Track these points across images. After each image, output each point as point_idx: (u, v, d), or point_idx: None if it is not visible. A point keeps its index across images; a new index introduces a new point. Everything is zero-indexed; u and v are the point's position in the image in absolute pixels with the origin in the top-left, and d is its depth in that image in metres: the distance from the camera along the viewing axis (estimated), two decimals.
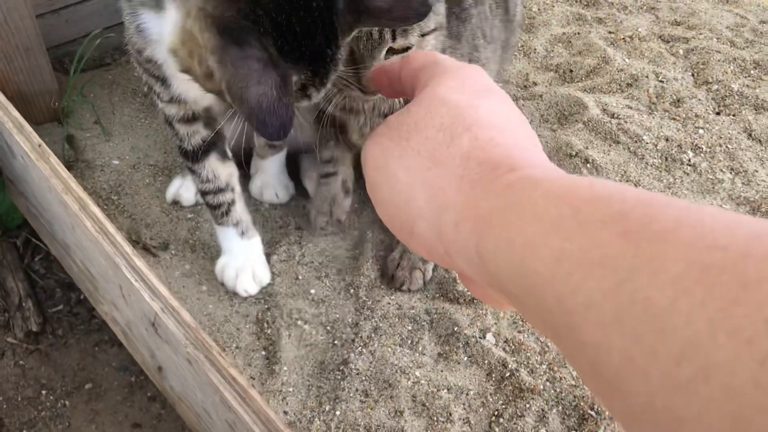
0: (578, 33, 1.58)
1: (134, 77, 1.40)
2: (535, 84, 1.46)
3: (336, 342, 1.03)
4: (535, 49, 1.54)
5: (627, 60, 1.51)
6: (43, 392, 1.31)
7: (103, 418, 1.26)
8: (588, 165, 1.27)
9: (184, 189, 1.19)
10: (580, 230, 0.32)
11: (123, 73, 1.40)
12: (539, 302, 0.33)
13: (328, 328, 1.05)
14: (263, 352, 1.01)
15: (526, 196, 0.36)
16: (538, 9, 1.66)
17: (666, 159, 1.30)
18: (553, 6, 1.67)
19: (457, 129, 0.43)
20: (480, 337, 1.03)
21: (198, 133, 0.96)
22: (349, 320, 1.05)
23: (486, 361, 1.00)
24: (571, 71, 1.49)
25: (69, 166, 1.22)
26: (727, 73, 1.49)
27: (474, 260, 0.39)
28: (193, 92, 0.83)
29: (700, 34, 1.60)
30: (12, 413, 1.27)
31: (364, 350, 1.01)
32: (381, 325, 1.04)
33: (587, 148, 1.30)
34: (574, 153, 1.29)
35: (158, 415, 1.26)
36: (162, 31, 0.70)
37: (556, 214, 0.34)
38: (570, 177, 0.37)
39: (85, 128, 1.30)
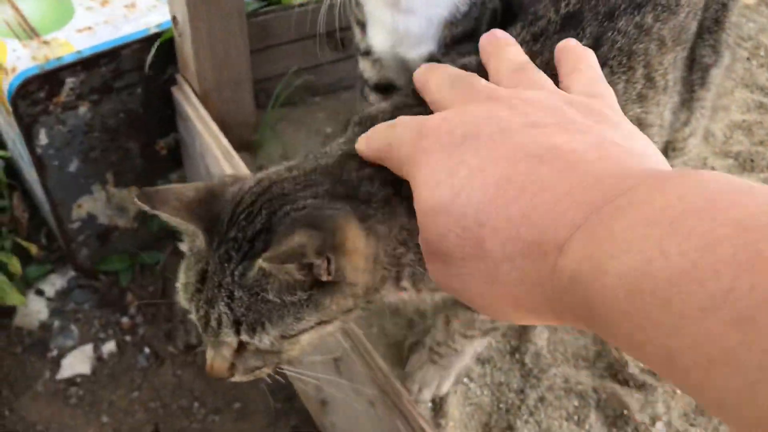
0: (760, 122, 1.53)
1: (319, 117, 1.47)
2: (713, 170, 1.43)
3: (501, 406, 1.02)
4: (714, 134, 1.51)
5: None
6: (195, 404, 1.37)
7: None
8: None
9: None
10: (681, 325, 0.26)
11: (309, 113, 1.48)
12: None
13: (493, 389, 1.05)
14: (429, 404, 1.02)
15: (595, 289, 0.31)
16: (718, 93, 1.62)
17: None
18: (733, 92, 1.64)
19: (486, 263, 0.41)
20: (650, 425, 1.00)
21: None
22: (515, 386, 1.05)
23: None
24: (752, 161, 1.44)
25: None
26: None
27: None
28: None
29: None
30: (167, 419, 1.34)
31: (530, 419, 1.00)
32: (547, 395, 1.03)
33: None
34: None
35: None
36: None
37: (636, 309, 0.28)
38: (636, 245, 0.30)
39: (272, 161, 1.38)
